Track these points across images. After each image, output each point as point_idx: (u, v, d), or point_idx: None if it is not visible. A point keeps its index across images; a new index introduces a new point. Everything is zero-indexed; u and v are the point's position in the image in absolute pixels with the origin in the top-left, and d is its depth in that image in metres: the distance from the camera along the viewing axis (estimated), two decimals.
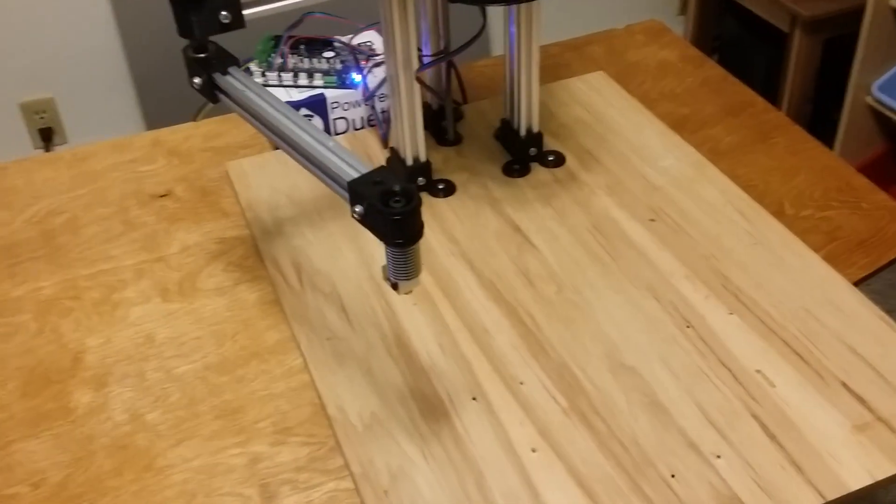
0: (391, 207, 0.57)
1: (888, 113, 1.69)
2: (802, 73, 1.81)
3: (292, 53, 0.99)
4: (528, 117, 0.91)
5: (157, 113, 1.94)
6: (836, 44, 1.79)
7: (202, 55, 0.72)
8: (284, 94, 0.96)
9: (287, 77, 0.97)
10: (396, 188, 0.58)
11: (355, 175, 0.61)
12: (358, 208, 0.60)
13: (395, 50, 0.80)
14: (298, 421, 0.69)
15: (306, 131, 0.67)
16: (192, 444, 0.68)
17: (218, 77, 0.73)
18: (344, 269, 0.80)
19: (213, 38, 0.72)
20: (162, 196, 0.92)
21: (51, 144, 1.95)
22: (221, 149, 0.98)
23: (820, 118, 1.86)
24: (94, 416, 0.70)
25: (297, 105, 0.95)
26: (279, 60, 0.97)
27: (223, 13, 0.71)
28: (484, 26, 0.88)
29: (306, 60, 0.98)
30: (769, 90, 1.84)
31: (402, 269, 0.60)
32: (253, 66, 0.98)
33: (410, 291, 0.62)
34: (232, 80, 0.72)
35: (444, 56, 0.89)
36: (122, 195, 0.92)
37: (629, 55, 1.12)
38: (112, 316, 0.78)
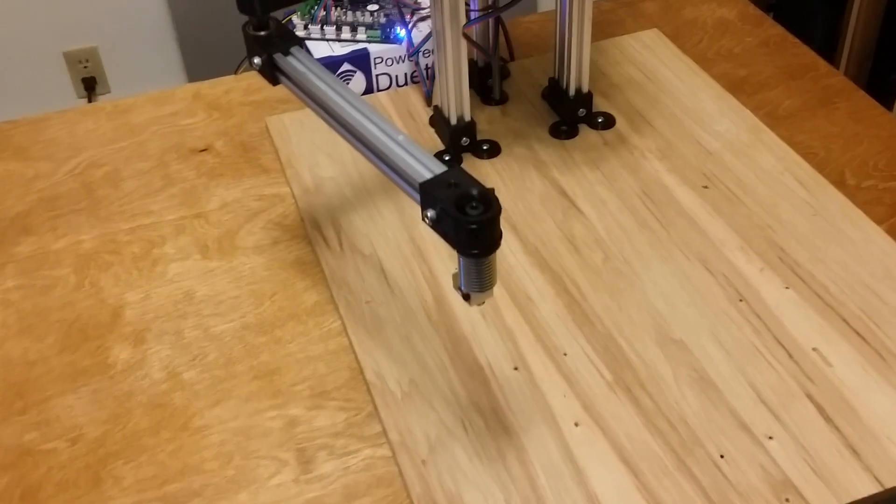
0: (468, 214, 0.51)
1: None
2: (863, 33, 1.74)
3: (336, 6, 0.96)
4: (578, 76, 0.87)
5: (199, 64, 1.92)
6: None
7: (262, 33, 0.67)
8: (327, 48, 0.93)
9: (330, 31, 0.94)
10: (474, 192, 0.52)
11: (428, 175, 0.55)
12: (430, 213, 0.54)
13: (442, 4, 0.77)
14: (335, 385, 0.67)
15: (374, 122, 0.61)
16: (228, 405, 0.67)
17: (279, 58, 0.68)
18: (384, 232, 0.78)
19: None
20: (202, 151, 0.90)
21: (94, 94, 1.94)
22: (261, 103, 0.96)
23: (880, 80, 1.79)
24: (132, 373, 0.69)
25: (339, 60, 0.92)
26: (322, 13, 0.95)
27: None
28: None
29: (349, 14, 0.95)
30: (827, 50, 1.77)
31: (476, 280, 0.54)
32: (295, 19, 0.96)
33: (483, 303, 0.57)
34: (294, 62, 0.67)
35: (493, 11, 0.86)
36: (162, 149, 0.90)
37: (685, 12, 1.07)
38: (151, 272, 0.77)
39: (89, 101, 1.92)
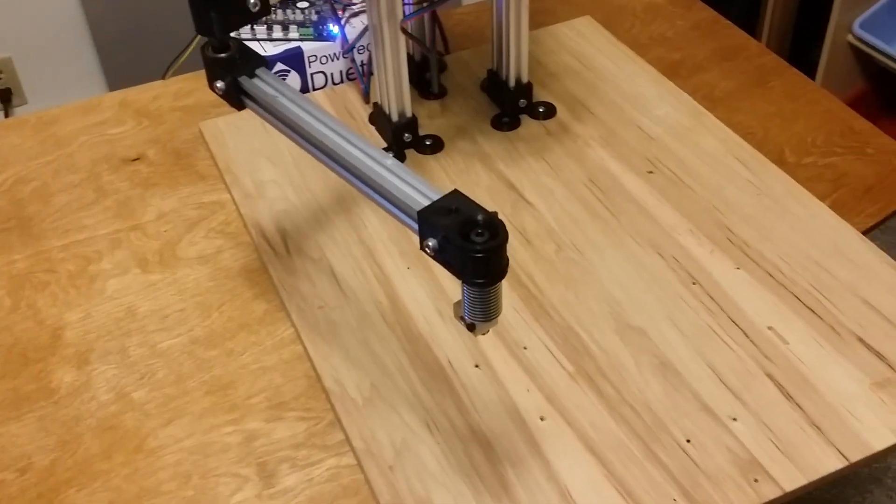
0: (473, 242, 0.49)
1: (869, 51, 1.66)
2: (781, 12, 1.78)
3: None
4: (517, 67, 0.87)
5: (119, 71, 1.86)
6: None
7: (223, 55, 0.63)
8: (259, 48, 0.90)
9: (261, 30, 0.92)
10: (479, 218, 0.49)
11: (425, 202, 0.52)
12: (431, 242, 0.51)
13: None
14: (293, 395, 0.66)
15: (358, 147, 0.58)
16: (182, 423, 0.64)
17: (244, 81, 0.63)
18: (332, 234, 0.77)
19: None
20: (134, 160, 0.87)
21: (10, 106, 1.87)
22: (193, 108, 0.93)
23: (799, 58, 1.83)
24: (77, 397, 0.66)
25: (272, 60, 0.90)
26: None
27: (252, 0, 0.61)
28: None
29: (280, 12, 0.93)
30: (748, 30, 1.80)
31: (482, 309, 0.52)
32: None
33: (487, 332, 0.55)
34: (261, 85, 0.63)
35: (431, 4, 0.84)
36: (91, 161, 0.87)
37: None
38: (89, 289, 0.74)
39: (6, 114, 1.85)
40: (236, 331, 0.70)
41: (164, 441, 0.63)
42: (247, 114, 0.89)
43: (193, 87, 0.96)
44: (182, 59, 0.98)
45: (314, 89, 0.93)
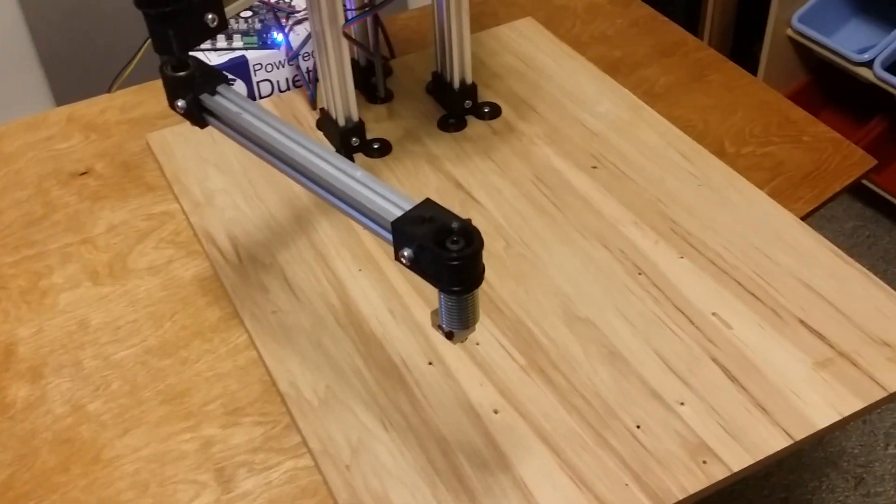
0: (448, 250, 0.49)
1: (809, 44, 1.70)
2: (722, 8, 1.82)
3: None
4: (461, 69, 0.88)
5: (67, 86, 1.85)
6: None
7: (183, 73, 0.62)
8: (203, 58, 0.90)
9: None
10: (454, 226, 0.50)
11: (398, 212, 0.52)
12: (406, 252, 0.51)
13: (320, 4, 0.76)
14: (249, 400, 0.66)
15: (327, 160, 0.57)
16: (139, 433, 0.65)
17: (206, 98, 0.63)
18: (283, 239, 0.77)
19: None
20: (82, 174, 0.86)
21: None
22: (140, 120, 0.93)
23: (741, 53, 1.87)
24: (33, 411, 0.66)
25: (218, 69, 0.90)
26: None
27: (209, 16, 0.60)
28: None
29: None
30: (689, 26, 1.83)
31: (460, 317, 0.52)
32: None
33: (465, 340, 0.55)
34: (224, 102, 0.62)
35: (371, 8, 0.85)
36: (39, 176, 0.86)
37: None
38: (41, 304, 0.74)
39: None
40: (190, 339, 0.70)
41: (121, 451, 0.63)
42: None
43: (140, 99, 0.96)
44: (127, 72, 0.97)
45: (261, 97, 0.94)
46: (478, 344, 0.68)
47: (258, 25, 0.94)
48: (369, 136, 0.87)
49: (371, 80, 0.93)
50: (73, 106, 0.95)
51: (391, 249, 0.73)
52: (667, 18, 1.05)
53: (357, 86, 0.90)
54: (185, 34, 0.60)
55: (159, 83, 0.97)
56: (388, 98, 0.93)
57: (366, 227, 0.55)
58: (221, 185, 0.83)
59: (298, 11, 0.95)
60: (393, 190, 0.54)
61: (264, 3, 0.96)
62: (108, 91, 0.97)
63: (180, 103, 0.63)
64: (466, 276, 0.50)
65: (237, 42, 0.92)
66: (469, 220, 0.50)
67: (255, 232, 0.78)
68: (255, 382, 0.67)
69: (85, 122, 0.93)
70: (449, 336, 0.54)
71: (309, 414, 0.63)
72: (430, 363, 0.67)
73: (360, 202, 0.55)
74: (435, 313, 0.54)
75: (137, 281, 0.75)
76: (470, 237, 0.49)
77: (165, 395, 0.67)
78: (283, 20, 0.94)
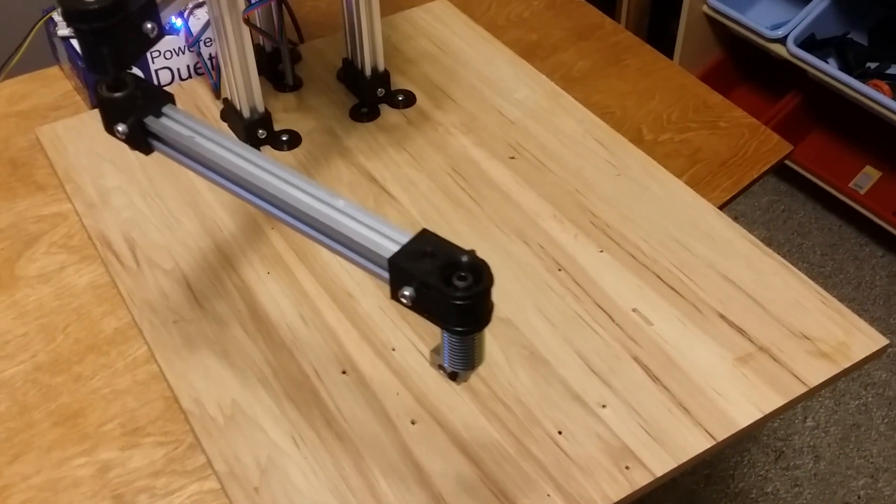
0: (456, 287, 0.44)
1: (724, 21, 1.71)
2: None
3: None
4: (373, 55, 0.84)
5: None
6: None
7: (121, 94, 0.55)
8: None
9: None
10: (463, 260, 0.45)
11: (394, 247, 0.46)
12: (407, 291, 0.46)
13: None
14: (150, 419, 0.62)
15: (303, 189, 0.51)
16: (29, 459, 0.60)
17: (151, 122, 0.55)
18: (184, 241, 0.73)
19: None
20: None
21: None
22: (29, 113, 0.86)
23: (659, 31, 1.87)
24: None
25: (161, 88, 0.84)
26: None
27: (148, 25, 0.54)
28: None
29: None
30: (608, 6, 1.82)
31: (466, 357, 0.47)
32: (56, 17, 0.86)
33: (468, 379, 0.51)
34: (172, 125, 0.55)
35: None
36: None
37: None
38: None
39: None
40: (84, 353, 0.66)
41: (10, 479, 0.59)
42: (87, 116, 0.84)
43: (29, 89, 0.89)
44: (15, 61, 0.91)
45: (161, 86, 0.88)
46: (394, 350, 0.65)
47: None
48: (277, 128, 0.83)
49: (278, 66, 0.88)
50: None
51: (304, 249, 0.69)
52: (583, 0, 1.03)
53: (263, 73, 0.86)
54: (122, 49, 0.53)
55: (50, 72, 0.92)
56: (296, 86, 0.89)
57: (355, 263, 0.49)
58: (117, 182, 0.78)
59: None
60: (383, 221, 0.48)
61: None
62: None
63: (120, 128, 0.55)
64: (476, 316, 0.45)
65: None
66: (473, 252, 0.45)
67: (155, 233, 0.73)
68: (155, 399, 0.63)
69: None
70: (453, 377, 0.49)
71: (214, 432, 0.60)
72: (344, 372, 0.63)
73: (347, 237, 0.48)
74: (435, 352, 0.49)
75: (27, 290, 0.70)
76: (479, 273, 0.44)
77: (58, 416, 0.62)
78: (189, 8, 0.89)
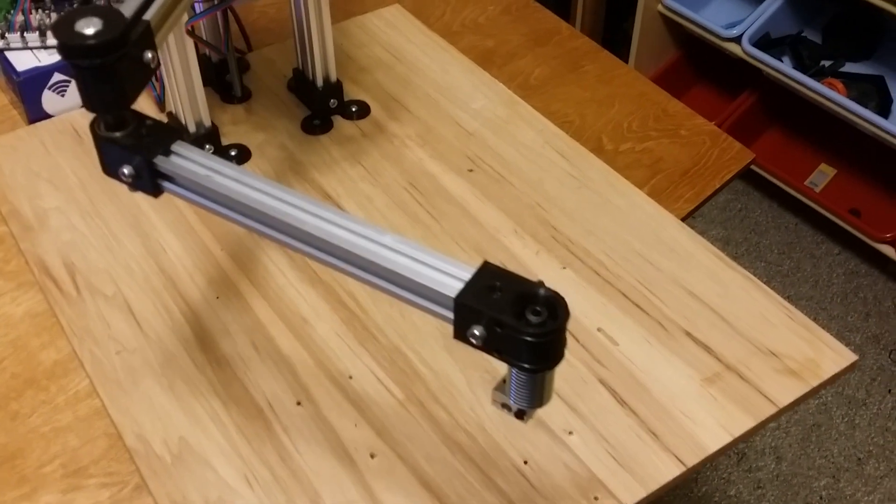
0: (529, 323, 0.41)
1: (679, 20, 1.70)
2: None
3: (36, 9, 0.83)
4: (324, 65, 0.81)
5: None
6: None
7: (124, 132, 0.50)
8: (32, 59, 0.81)
9: (32, 38, 0.82)
10: (540, 293, 0.42)
11: (457, 284, 0.43)
12: (476, 331, 0.43)
13: None
14: (92, 458, 0.58)
15: (345, 227, 0.46)
16: None
17: (161, 161, 0.50)
18: (127, 264, 0.69)
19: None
20: None
21: None
22: None
23: (613, 30, 1.86)
24: None
25: (48, 70, 0.80)
26: (20, 18, 0.82)
27: (148, 54, 0.49)
28: None
29: (54, 16, 0.83)
30: (560, 3, 1.81)
31: (534, 394, 0.45)
32: None
33: (533, 416, 0.48)
34: (185, 164, 0.50)
35: (219, 4, 0.77)
36: None
37: None
38: None
39: None
40: (22, 389, 0.62)
41: None
42: (23, 132, 0.80)
43: None
44: None
45: None
46: (351, 378, 0.62)
47: None
48: (225, 142, 0.79)
49: (226, 77, 0.85)
50: None
51: (255, 272, 0.66)
52: (539, 4, 1.00)
53: (209, 84, 0.82)
54: (124, 84, 0.49)
55: None
56: (245, 97, 0.85)
57: (412, 304, 0.46)
58: (55, 202, 0.74)
59: None
60: (438, 255, 0.45)
61: None
62: None
63: (126, 171, 0.50)
64: (550, 353, 0.43)
65: None
66: (543, 283, 0.43)
67: (95, 257, 0.69)
68: (98, 437, 0.59)
69: None
70: (519, 415, 0.47)
71: (160, 472, 0.56)
72: (299, 403, 0.60)
73: (402, 276, 0.44)
74: (499, 390, 0.46)
75: None
76: (554, 307, 0.42)
77: None
78: None
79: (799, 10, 1.66)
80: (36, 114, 0.81)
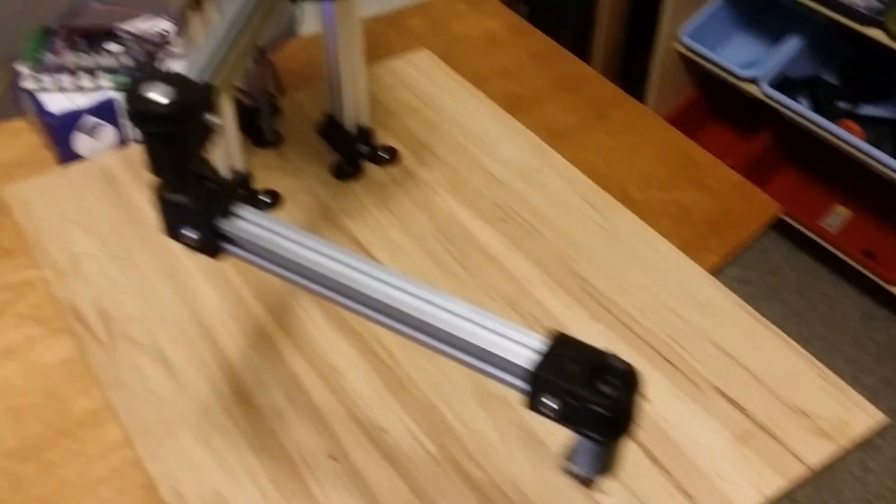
0: (603, 394, 0.41)
1: (697, 59, 1.71)
2: (613, 25, 1.81)
3: (68, 48, 0.84)
4: (356, 110, 0.82)
5: None
6: None
7: (189, 195, 0.50)
8: (64, 101, 0.81)
9: (66, 79, 0.82)
10: (614, 365, 0.42)
11: (532, 355, 0.43)
12: (552, 403, 0.43)
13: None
14: None
15: (415, 295, 0.46)
16: None
17: (223, 223, 0.50)
18: (162, 314, 0.69)
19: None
20: None
21: None
22: None
23: (631, 67, 1.87)
24: None
25: (81, 112, 0.81)
26: (53, 59, 0.83)
27: (211, 117, 0.50)
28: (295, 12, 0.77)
29: (86, 57, 0.84)
30: (581, 41, 1.82)
31: (604, 463, 0.45)
32: (20, 67, 0.83)
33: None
34: (248, 227, 0.50)
35: (262, 58, 0.78)
36: None
37: (452, 27, 1.04)
38: None
39: None
40: (55, 438, 0.62)
41: None
42: (56, 175, 0.81)
43: None
44: None
45: (133, 141, 0.85)
46: (384, 432, 0.62)
47: (128, 61, 0.85)
48: (257, 186, 0.80)
49: (258, 122, 0.86)
50: None
51: (288, 321, 0.66)
52: (565, 50, 1.01)
53: (242, 128, 0.83)
54: (189, 145, 0.49)
55: (15, 125, 0.88)
56: (276, 142, 0.86)
57: (484, 373, 0.45)
58: (89, 248, 0.74)
59: (172, 44, 0.86)
60: (506, 322, 0.45)
61: (134, 35, 0.87)
62: None
63: (189, 234, 0.51)
64: (622, 424, 0.42)
65: (103, 80, 0.83)
66: (616, 355, 0.43)
67: (129, 304, 0.70)
68: (133, 489, 0.59)
69: None
70: (587, 483, 0.47)
71: None
72: (334, 458, 0.60)
73: (476, 346, 0.44)
74: (568, 458, 0.46)
75: None
76: (627, 379, 0.42)
77: None
78: (156, 55, 0.86)
79: (816, 51, 1.67)
80: (68, 155, 0.82)
